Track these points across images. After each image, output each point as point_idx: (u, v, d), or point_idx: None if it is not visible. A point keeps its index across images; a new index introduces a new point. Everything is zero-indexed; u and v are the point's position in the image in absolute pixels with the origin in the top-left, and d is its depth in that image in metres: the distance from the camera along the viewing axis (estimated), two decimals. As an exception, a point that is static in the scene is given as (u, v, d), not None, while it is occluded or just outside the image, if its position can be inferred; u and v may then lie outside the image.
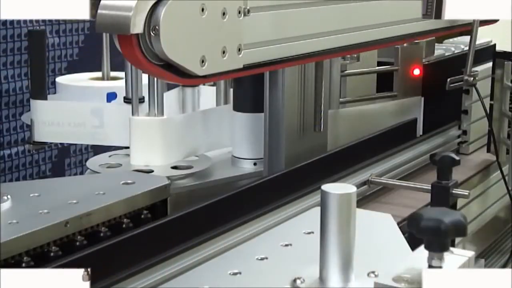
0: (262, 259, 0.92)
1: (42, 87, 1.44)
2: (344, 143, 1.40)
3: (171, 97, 1.49)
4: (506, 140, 1.55)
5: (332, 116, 1.44)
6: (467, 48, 1.51)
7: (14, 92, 2.18)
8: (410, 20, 1.30)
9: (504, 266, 1.63)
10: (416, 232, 0.73)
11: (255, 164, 1.38)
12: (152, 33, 0.82)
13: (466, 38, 1.61)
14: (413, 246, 0.83)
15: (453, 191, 1.23)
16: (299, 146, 1.31)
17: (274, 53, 1.01)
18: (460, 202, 1.38)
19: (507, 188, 1.50)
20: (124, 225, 1.07)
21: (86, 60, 2.27)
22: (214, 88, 1.49)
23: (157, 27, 0.82)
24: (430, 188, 1.25)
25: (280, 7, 1.01)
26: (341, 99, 1.57)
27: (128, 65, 1.36)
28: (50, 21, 2.26)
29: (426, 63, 1.69)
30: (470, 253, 0.76)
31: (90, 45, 2.33)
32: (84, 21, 2.34)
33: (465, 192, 1.25)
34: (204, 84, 1.51)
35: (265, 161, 1.32)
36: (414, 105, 1.66)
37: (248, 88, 1.37)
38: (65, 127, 1.41)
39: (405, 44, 1.64)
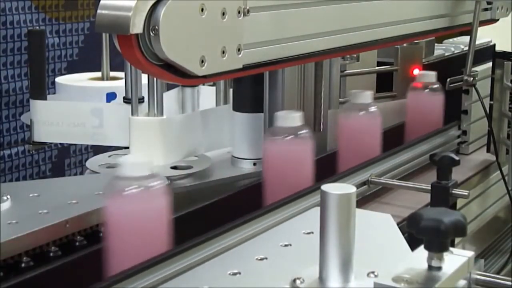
0: (261, 259, 0.92)
1: (41, 87, 1.44)
2: (344, 143, 1.39)
3: (170, 97, 1.49)
4: (505, 140, 1.55)
5: (332, 116, 1.44)
6: (466, 48, 1.51)
7: (14, 92, 2.17)
8: (410, 20, 1.30)
9: (504, 266, 1.63)
10: (416, 232, 0.73)
11: (254, 164, 1.38)
12: (151, 33, 0.82)
13: (466, 38, 1.60)
14: (413, 246, 0.83)
15: (453, 191, 1.23)
16: (299, 146, 1.31)
17: (273, 53, 1.01)
18: (460, 202, 1.38)
19: (507, 188, 1.50)
20: (123, 225, 1.07)
21: (86, 60, 2.27)
22: (214, 88, 1.49)
23: (156, 27, 0.82)
24: (429, 188, 1.25)
25: (280, 7, 1.01)
26: (341, 99, 1.57)
27: (127, 65, 1.36)
28: (50, 21, 2.26)
29: (426, 63, 1.69)
30: (470, 253, 0.76)
31: (90, 45, 2.32)
32: (84, 21, 2.35)
33: (465, 192, 1.25)
34: (203, 84, 1.51)
35: (265, 161, 1.31)
36: (414, 105, 1.66)
37: (248, 88, 1.37)
38: (64, 127, 1.41)
39: (404, 44, 1.64)
